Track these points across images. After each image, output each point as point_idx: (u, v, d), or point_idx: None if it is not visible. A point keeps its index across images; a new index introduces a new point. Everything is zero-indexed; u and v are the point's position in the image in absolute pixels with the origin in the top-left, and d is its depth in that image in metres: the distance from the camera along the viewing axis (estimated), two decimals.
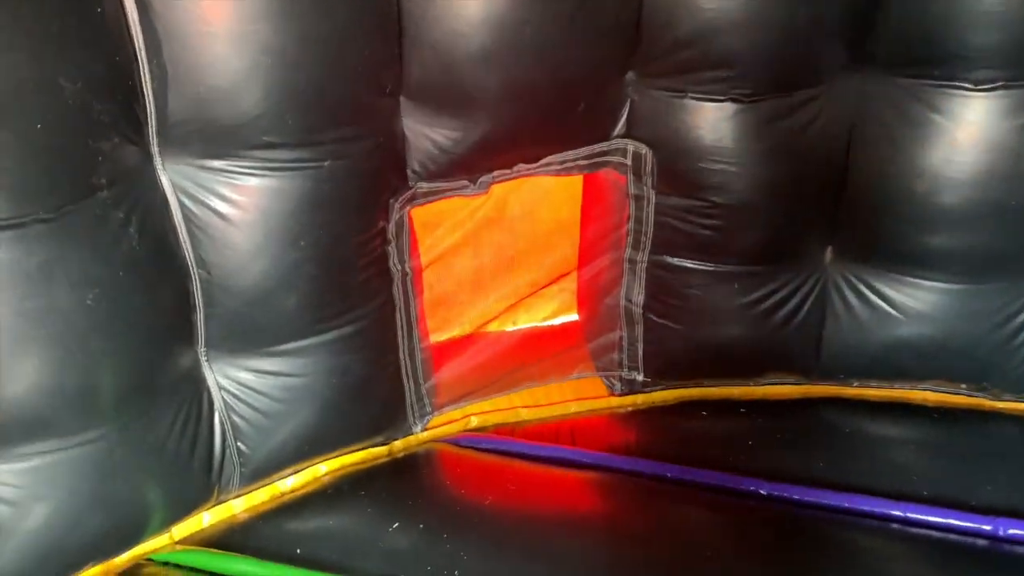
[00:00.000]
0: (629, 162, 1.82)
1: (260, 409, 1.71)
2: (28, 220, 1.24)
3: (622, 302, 2.02)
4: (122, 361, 1.45)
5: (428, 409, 2.00)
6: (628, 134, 1.80)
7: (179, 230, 1.49)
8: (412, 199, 1.73)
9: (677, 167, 1.78)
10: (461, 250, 2.07)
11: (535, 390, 2.14)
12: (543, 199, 2.10)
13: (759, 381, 2.09)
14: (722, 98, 1.68)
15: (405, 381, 1.92)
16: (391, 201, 1.68)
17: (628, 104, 1.77)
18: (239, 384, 1.68)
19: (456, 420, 2.07)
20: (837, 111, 1.74)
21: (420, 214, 1.83)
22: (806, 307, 1.95)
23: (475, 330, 2.31)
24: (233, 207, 1.49)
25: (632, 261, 1.96)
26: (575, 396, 2.15)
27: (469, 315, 2.21)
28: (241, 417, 1.70)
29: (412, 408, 1.96)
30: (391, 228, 1.71)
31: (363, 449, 1.93)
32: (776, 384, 2.10)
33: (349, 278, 1.68)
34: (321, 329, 1.70)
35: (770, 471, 1.77)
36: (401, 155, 1.67)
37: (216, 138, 1.44)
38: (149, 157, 1.42)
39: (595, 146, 1.79)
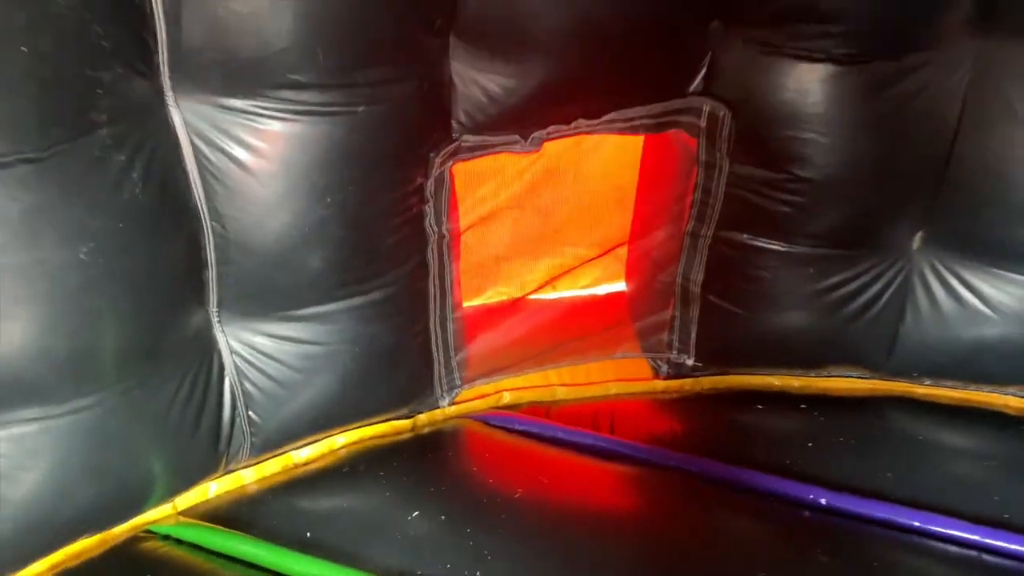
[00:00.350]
0: (703, 124, 1.59)
1: (275, 377, 1.55)
2: (11, 159, 1.05)
3: (678, 279, 1.82)
4: (121, 323, 1.28)
5: (457, 382, 1.83)
6: (705, 92, 1.58)
7: (191, 178, 1.30)
8: (455, 154, 1.52)
9: (758, 133, 1.55)
10: (505, 214, 1.86)
11: (574, 368, 1.96)
12: (600, 161, 1.88)
13: (820, 373, 1.90)
14: (821, 57, 1.44)
15: (435, 352, 1.74)
16: (431, 155, 1.48)
17: (709, 57, 1.54)
18: (253, 349, 1.52)
19: (487, 395, 1.90)
20: (950, 81, 1.50)
21: (462, 171, 1.63)
22: (885, 297, 1.74)
23: (511, 297, 2.12)
24: (253, 154, 1.30)
25: (694, 235, 1.75)
26: (616, 377, 1.97)
27: (507, 284, 2.01)
28: (254, 385, 1.54)
29: (440, 381, 1.79)
30: (429, 185, 1.51)
31: (385, 422, 1.77)
32: (838, 377, 1.90)
33: (379, 240, 1.49)
34: (346, 294, 1.52)
35: (831, 479, 1.58)
36: (446, 103, 1.46)
37: (236, 73, 1.24)
38: (159, 92, 1.22)
39: (667, 103, 1.57)
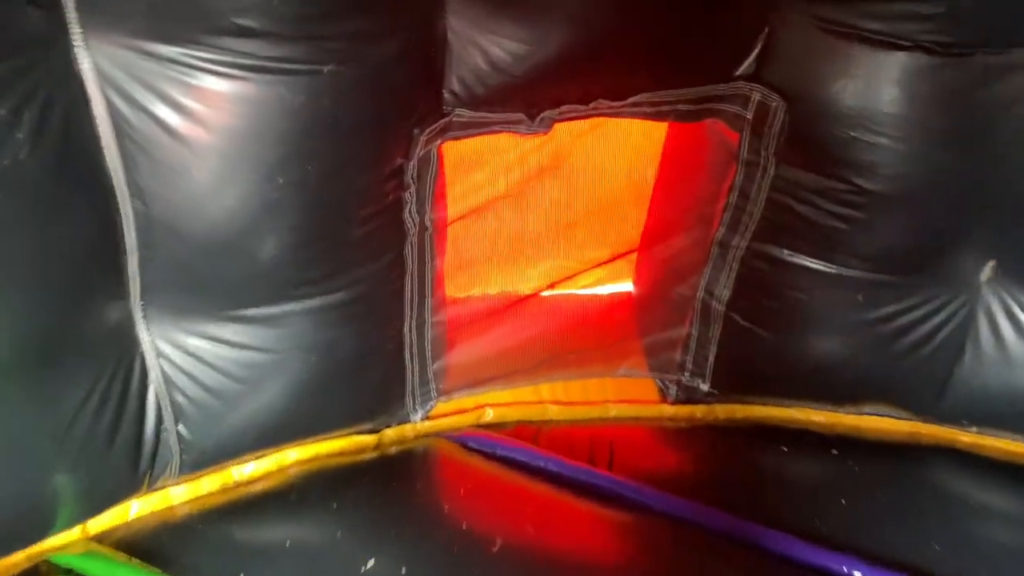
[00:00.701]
0: (749, 115, 1.32)
1: (212, 387, 1.28)
2: None
3: (700, 293, 1.55)
4: (5, 318, 1.01)
5: (433, 395, 1.57)
6: (756, 77, 1.29)
7: (104, 142, 1.01)
8: (445, 131, 1.24)
9: (816, 132, 1.28)
10: (502, 204, 1.58)
11: (568, 384, 1.70)
12: (619, 150, 1.59)
13: (851, 410, 1.64)
14: (907, 44, 1.16)
15: (408, 360, 1.48)
16: (415, 131, 1.19)
17: (764, 35, 1.26)
18: (186, 353, 1.25)
19: (467, 411, 1.64)
20: None
21: (453, 151, 1.35)
22: (944, 333, 1.48)
23: (503, 293, 1.85)
24: (186, 117, 1.01)
25: (724, 245, 1.48)
26: (617, 397, 1.71)
27: (499, 285, 1.74)
28: (186, 395, 1.28)
29: (413, 393, 1.53)
30: (411, 167, 1.24)
31: (346, 437, 1.51)
32: (871, 416, 1.65)
33: (346, 231, 1.22)
34: (303, 294, 1.25)
35: (867, 547, 1.33)
36: (437, 68, 1.17)
37: (166, 10, 0.95)
38: (61, 27, 0.94)
39: (709, 87, 1.29)
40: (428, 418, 1.60)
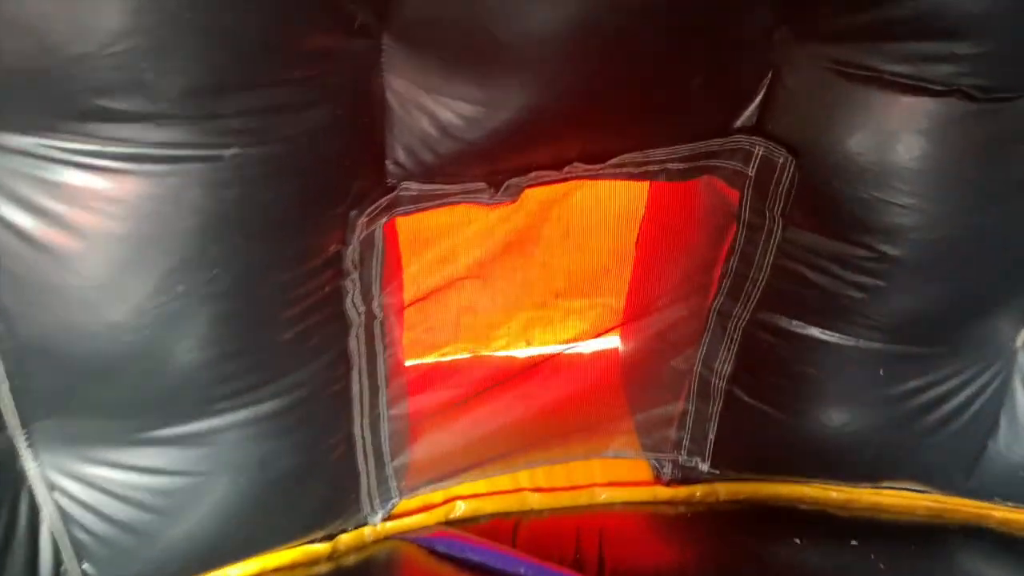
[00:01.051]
0: (752, 172, 1.12)
1: (120, 521, 1.07)
2: None
3: (697, 367, 1.35)
4: None
5: (394, 494, 1.36)
6: (759, 129, 1.09)
7: None
8: (391, 207, 1.03)
9: (831, 191, 1.08)
10: (466, 285, 1.36)
11: (550, 467, 1.50)
12: (603, 214, 1.37)
13: (870, 487, 1.45)
14: (940, 89, 0.96)
15: (361, 463, 1.27)
16: (351, 213, 0.98)
17: (768, 80, 1.06)
18: (86, 484, 1.04)
19: (436, 505, 1.43)
20: None
21: (407, 226, 1.14)
22: (976, 406, 1.29)
23: (474, 354, 1.64)
24: (49, 222, 0.80)
25: (723, 315, 1.28)
26: (606, 479, 1.51)
27: (469, 341, 1.52)
28: (88, 531, 1.06)
29: (370, 496, 1.32)
30: (350, 253, 1.02)
31: (295, 546, 1.30)
32: (890, 488, 1.46)
33: (272, 335, 1.00)
34: (225, 408, 1.03)
35: None
36: (377, 137, 0.96)
37: (12, 93, 0.73)
38: None
39: (704, 143, 1.08)
40: (390, 517, 1.39)
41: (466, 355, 1.64)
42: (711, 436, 1.42)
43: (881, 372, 1.25)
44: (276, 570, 1.31)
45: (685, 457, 1.46)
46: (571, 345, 1.69)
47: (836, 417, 1.32)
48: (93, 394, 0.95)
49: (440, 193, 1.04)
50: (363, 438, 1.24)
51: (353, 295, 1.07)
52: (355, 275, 1.06)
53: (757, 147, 1.09)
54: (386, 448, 1.30)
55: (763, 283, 1.21)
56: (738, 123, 1.08)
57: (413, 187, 1.02)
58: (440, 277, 1.29)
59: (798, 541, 1.37)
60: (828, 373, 1.27)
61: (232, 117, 0.80)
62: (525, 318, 1.57)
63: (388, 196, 1.01)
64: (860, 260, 1.12)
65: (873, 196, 1.06)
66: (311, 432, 1.15)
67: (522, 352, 1.69)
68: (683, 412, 1.42)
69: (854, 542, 1.36)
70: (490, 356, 1.66)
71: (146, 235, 0.82)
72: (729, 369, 1.32)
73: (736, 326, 1.28)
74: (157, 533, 1.10)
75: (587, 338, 1.69)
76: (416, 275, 1.26)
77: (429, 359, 1.60)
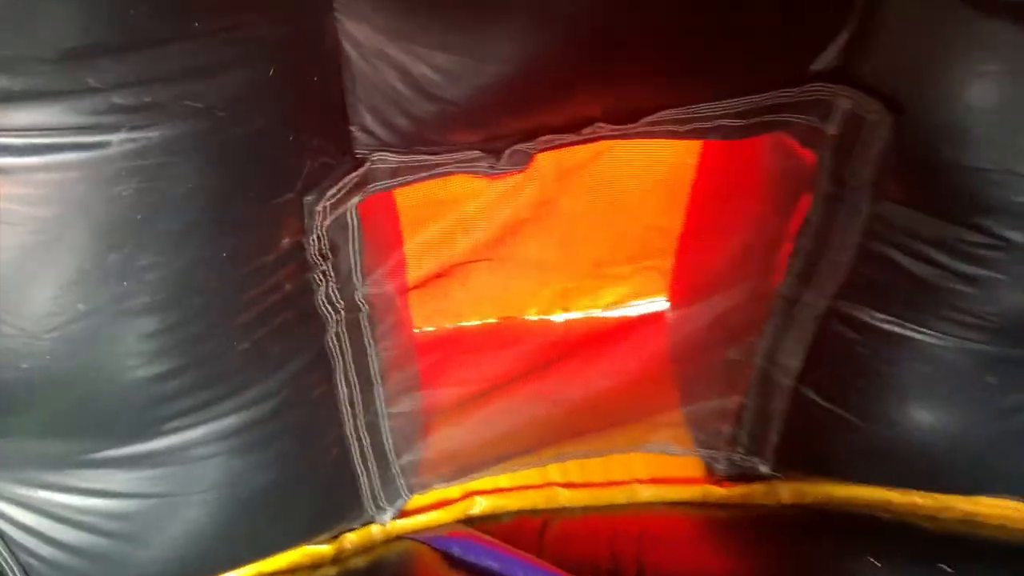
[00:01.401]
0: (833, 129, 0.85)
1: (73, 546, 0.94)
2: None
3: (758, 359, 1.12)
4: None
5: (404, 492, 1.20)
6: (843, 75, 0.83)
7: None
8: (363, 184, 0.82)
9: (941, 158, 0.81)
10: (474, 268, 1.14)
11: (585, 460, 1.31)
12: (642, 178, 1.11)
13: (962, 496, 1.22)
14: None
15: (359, 466, 1.11)
16: (306, 198, 0.77)
17: (857, 10, 0.78)
18: (31, 509, 0.91)
19: (453, 501, 1.27)
20: None
21: (407, 197, 0.93)
22: None
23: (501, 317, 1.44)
24: None
25: (791, 301, 1.04)
26: (649, 475, 1.32)
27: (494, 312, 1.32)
28: (37, 557, 0.93)
29: (374, 496, 1.17)
30: (314, 241, 0.82)
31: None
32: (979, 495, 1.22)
33: (222, 343, 0.82)
34: (179, 426, 0.88)
35: None
36: (333, 100, 0.75)
37: None
38: None
39: (771, 94, 0.82)
40: (402, 514, 1.24)
41: (492, 320, 1.44)
42: (773, 437, 1.20)
43: (987, 379, 0.99)
44: (275, 573, 1.18)
45: (741, 456, 1.25)
46: (614, 309, 1.48)
47: (925, 424, 1.08)
48: (19, 418, 0.80)
49: (425, 164, 0.82)
50: (359, 440, 1.08)
51: (326, 290, 0.88)
52: (326, 266, 0.86)
53: (841, 98, 0.83)
54: (389, 446, 1.13)
55: (844, 267, 0.96)
56: (816, 66, 0.82)
57: (389, 158, 0.81)
58: (444, 257, 1.08)
59: (875, 562, 1.15)
60: (921, 377, 1.02)
61: (114, 90, 0.59)
62: (560, 288, 1.35)
63: (358, 172, 0.80)
64: (972, 247, 0.86)
65: (997, 166, 0.79)
66: (291, 443, 0.98)
67: (559, 317, 1.49)
68: (740, 407, 1.20)
69: (946, 568, 1.14)
70: (521, 320, 1.46)
71: (26, 247, 0.64)
72: (797, 365, 1.09)
73: (808, 316, 1.04)
74: (122, 557, 0.96)
75: (632, 299, 1.48)
76: (418, 253, 1.05)
77: (448, 325, 1.41)
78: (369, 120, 0.77)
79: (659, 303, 1.47)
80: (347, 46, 0.72)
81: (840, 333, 1.03)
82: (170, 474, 0.91)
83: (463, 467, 1.25)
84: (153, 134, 0.62)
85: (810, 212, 0.95)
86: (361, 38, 0.71)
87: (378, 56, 0.73)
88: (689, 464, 1.32)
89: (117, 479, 0.90)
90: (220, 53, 0.63)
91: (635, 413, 1.27)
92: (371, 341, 0.99)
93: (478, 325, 1.44)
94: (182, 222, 0.68)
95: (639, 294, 1.47)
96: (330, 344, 0.93)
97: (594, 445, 1.30)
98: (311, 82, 0.71)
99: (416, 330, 1.28)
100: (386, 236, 0.96)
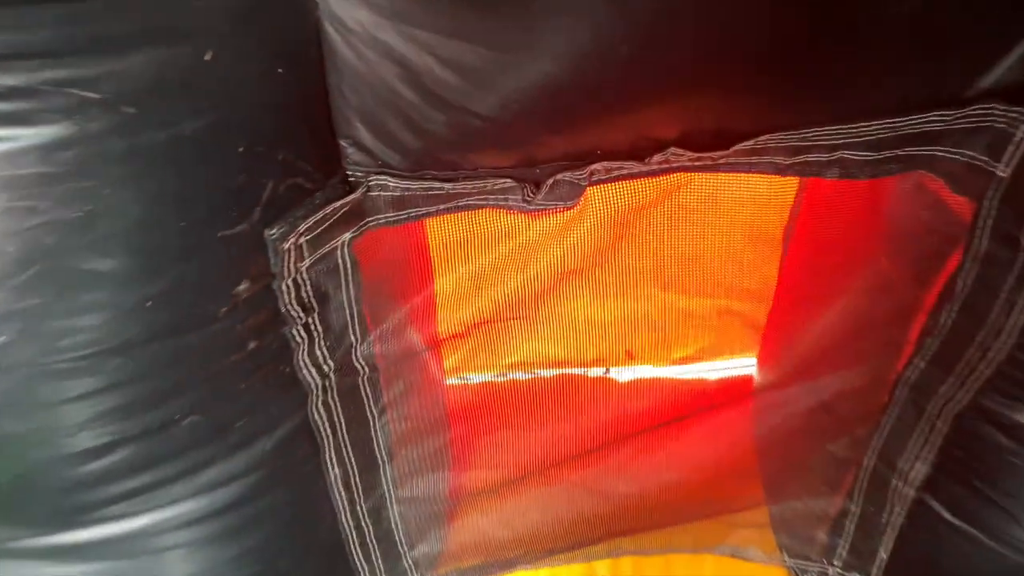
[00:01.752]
0: (1002, 170, 0.61)
1: None
2: None
3: (870, 459, 0.87)
4: None
5: None
6: (1018, 95, 0.58)
7: None
8: (356, 217, 0.62)
9: None
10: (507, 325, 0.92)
11: (641, 559, 1.07)
12: (726, 224, 0.88)
13: None
14: None
15: (359, 560, 0.90)
16: (271, 233, 0.58)
17: None
18: None
19: None
20: None
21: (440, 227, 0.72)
22: None
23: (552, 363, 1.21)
24: None
25: (921, 391, 0.80)
26: None
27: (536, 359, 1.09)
28: None
29: None
30: (288, 289, 0.62)
31: None
32: None
33: (165, 417, 0.63)
34: (117, 513, 0.69)
35: None
36: (313, 103, 0.55)
37: None
38: None
39: (916, 117, 0.59)
40: None
41: (542, 371, 1.21)
42: (882, 553, 0.94)
43: None
44: None
45: (840, 570, 0.99)
46: (691, 364, 1.24)
47: None
48: None
49: (439, 194, 0.62)
50: (359, 529, 0.87)
51: (309, 349, 0.68)
52: (310, 320, 0.66)
53: (1019, 127, 0.59)
54: (400, 536, 0.93)
55: (1000, 354, 0.71)
56: (985, 82, 0.58)
57: (391, 184, 0.61)
58: (481, 305, 0.86)
59: None
60: None
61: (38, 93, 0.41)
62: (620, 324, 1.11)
63: (347, 199, 0.60)
64: None
65: None
66: (270, 534, 0.78)
67: (623, 373, 1.25)
68: (842, 512, 0.95)
69: None
70: (579, 376, 1.23)
71: None
72: (924, 471, 0.84)
73: (942, 410, 0.79)
74: None
75: (711, 357, 1.23)
76: (453, 298, 0.84)
77: (486, 375, 1.19)
78: (363, 132, 0.58)
79: (745, 365, 1.22)
80: (330, 29, 0.53)
81: (986, 436, 0.77)
82: (111, 571, 0.72)
83: (493, 562, 1.03)
84: (25, 132, 0.44)
85: (958, 278, 0.71)
86: (348, 19, 0.52)
87: (375, 48, 0.53)
88: (771, 574, 1.06)
89: (44, 573, 0.72)
90: (123, 22, 0.44)
91: (709, 508, 1.03)
92: (376, 411, 0.79)
93: (528, 379, 1.22)
94: (80, 268, 0.49)
95: (721, 349, 1.22)
96: (315, 416, 0.73)
97: (655, 541, 1.06)
98: (273, 75, 0.52)
99: (450, 380, 1.07)
100: (403, 279, 0.76)
